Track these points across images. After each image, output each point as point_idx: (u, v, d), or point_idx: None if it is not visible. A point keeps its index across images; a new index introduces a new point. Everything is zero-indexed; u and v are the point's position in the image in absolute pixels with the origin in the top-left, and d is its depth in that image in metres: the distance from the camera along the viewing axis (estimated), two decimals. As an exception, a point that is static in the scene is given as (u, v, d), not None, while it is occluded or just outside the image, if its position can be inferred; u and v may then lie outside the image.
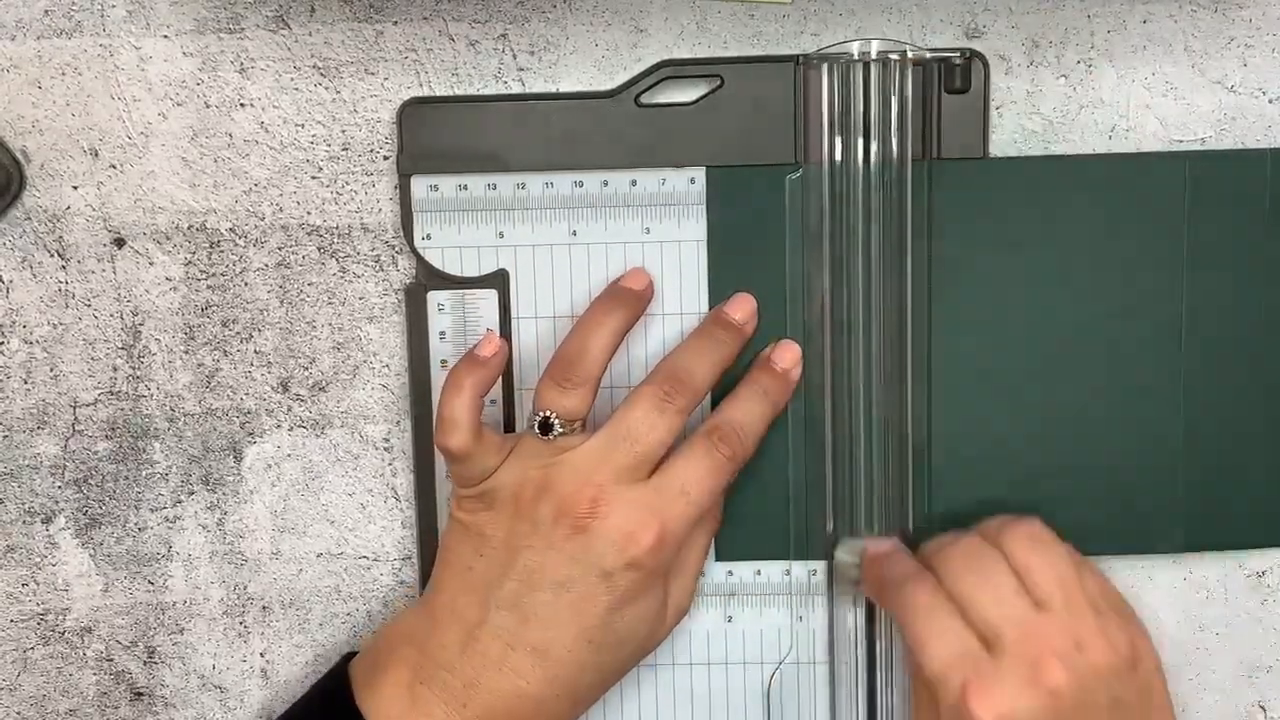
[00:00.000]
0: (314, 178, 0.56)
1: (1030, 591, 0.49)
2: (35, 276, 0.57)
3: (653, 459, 0.51)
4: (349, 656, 0.54)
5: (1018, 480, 0.55)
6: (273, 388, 0.57)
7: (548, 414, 0.51)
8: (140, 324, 0.57)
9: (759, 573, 0.57)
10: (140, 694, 0.59)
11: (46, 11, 0.55)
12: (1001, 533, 0.50)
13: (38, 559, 0.58)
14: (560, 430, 0.51)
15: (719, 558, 0.57)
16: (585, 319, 0.53)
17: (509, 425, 0.56)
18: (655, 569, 0.51)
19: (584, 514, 0.50)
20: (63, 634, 0.59)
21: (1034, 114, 0.55)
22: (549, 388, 0.51)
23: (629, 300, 0.54)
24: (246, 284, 0.57)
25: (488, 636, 0.50)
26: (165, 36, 0.56)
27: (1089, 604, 0.49)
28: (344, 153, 0.56)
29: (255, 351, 0.57)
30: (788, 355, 0.55)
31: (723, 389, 0.54)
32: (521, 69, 0.55)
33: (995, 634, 0.48)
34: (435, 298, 0.56)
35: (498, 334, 0.54)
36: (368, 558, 0.58)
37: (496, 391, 0.56)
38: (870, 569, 0.54)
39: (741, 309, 0.55)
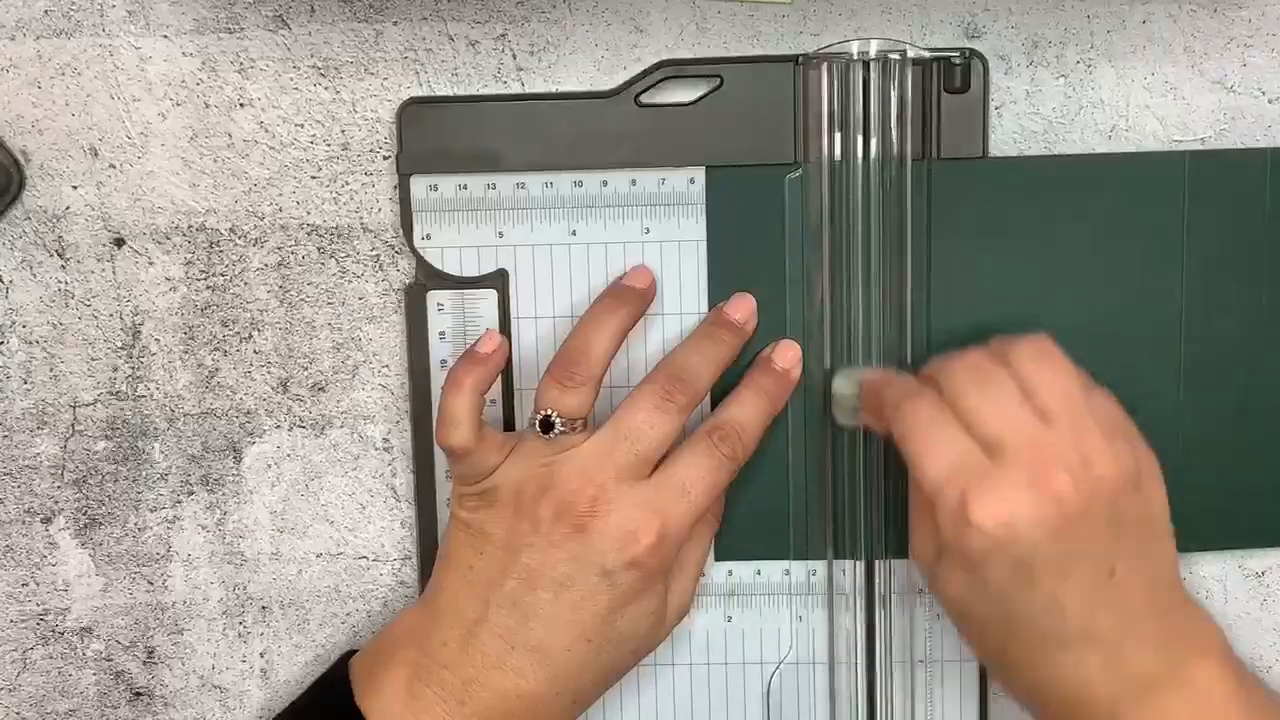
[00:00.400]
0: (314, 178, 0.56)
1: (1036, 406, 0.47)
2: (35, 276, 0.57)
3: (653, 458, 0.51)
4: (348, 655, 0.54)
5: None
6: (272, 388, 0.57)
7: (549, 413, 0.51)
8: (140, 324, 0.57)
9: (759, 573, 0.57)
10: (140, 694, 0.59)
11: (46, 11, 0.55)
12: (1008, 349, 0.49)
13: (37, 559, 0.58)
14: (561, 429, 0.51)
15: (719, 558, 0.57)
16: (587, 318, 0.53)
17: (509, 425, 0.56)
18: (656, 568, 0.51)
19: (584, 512, 0.50)
20: (62, 634, 0.59)
21: (1034, 114, 0.55)
22: (550, 386, 0.51)
23: (631, 299, 0.54)
24: (246, 284, 0.57)
25: (487, 635, 0.50)
26: (165, 36, 0.56)
27: (1096, 421, 0.47)
28: (344, 153, 0.56)
29: (255, 351, 0.57)
30: (788, 355, 0.55)
31: (723, 389, 0.54)
32: (521, 69, 0.56)
33: (999, 444, 0.46)
34: (435, 298, 0.56)
35: (498, 332, 0.54)
36: (368, 558, 0.58)
37: (496, 392, 0.56)
38: (869, 393, 0.52)
39: (741, 309, 0.55)
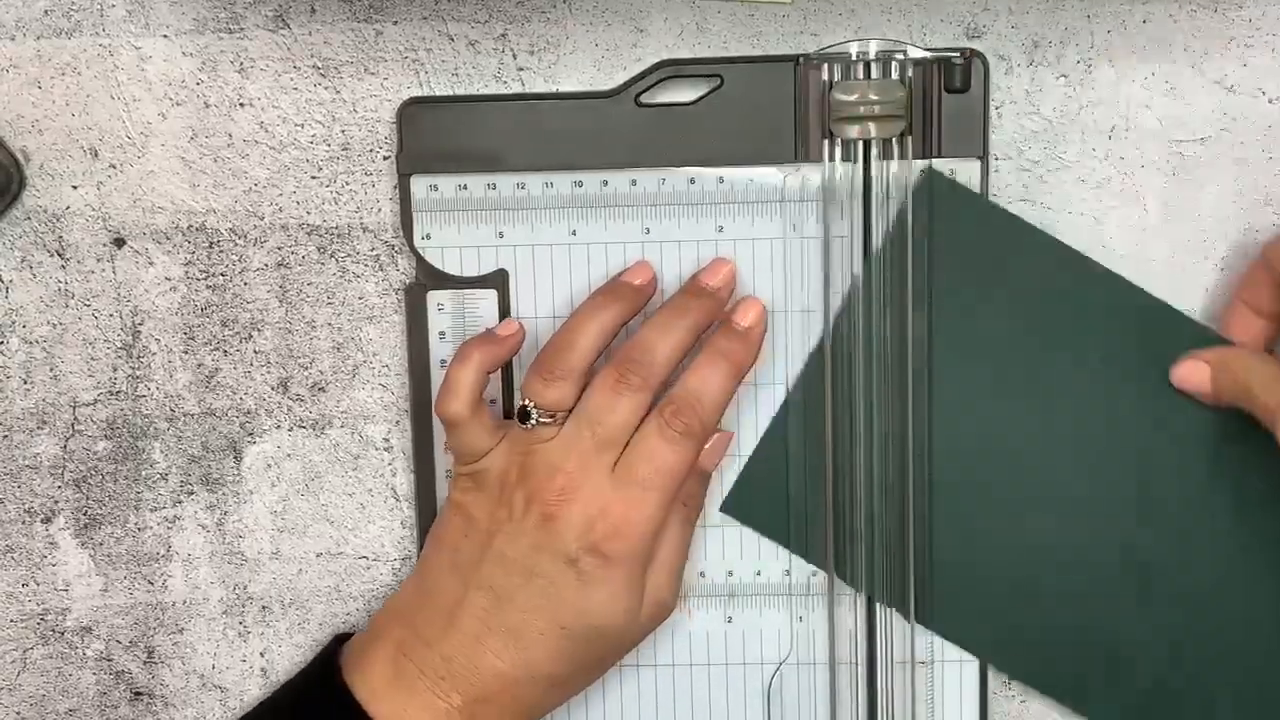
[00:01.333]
0: (314, 178, 0.56)
1: None
2: (35, 276, 0.57)
3: (617, 441, 0.51)
4: (340, 638, 0.55)
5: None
6: (272, 388, 0.57)
7: (527, 403, 0.51)
8: (140, 324, 0.57)
9: (759, 573, 0.57)
10: (140, 694, 0.59)
11: (46, 11, 0.55)
12: None
13: (38, 559, 0.58)
14: (539, 420, 0.51)
15: (722, 509, 0.56)
16: (578, 312, 0.53)
17: (509, 425, 0.57)
18: (622, 555, 0.50)
19: (552, 501, 0.50)
20: (62, 634, 0.59)
21: (1034, 114, 0.55)
22: (533, 379, 0.51)
23: (626, 295, 0.53)
24: (246, 284, 0.57)
25: (467, 616, 0.51)
26: (165, 36, 0.56)
27: None
28: (344, 153, 0.56)
29: (255, 351, 0.57)
30: (750, 313, 0.53)
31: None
32: (521, 69, 0.55)
33: None
34: (435, 298, 0.56)
35: (517, 321, 0.54)
36: (368, 558, 0.58)
37: (496, 390, 0.56)
38: (1222, 365, 0.52)
39: (718, 274, 0.54)
